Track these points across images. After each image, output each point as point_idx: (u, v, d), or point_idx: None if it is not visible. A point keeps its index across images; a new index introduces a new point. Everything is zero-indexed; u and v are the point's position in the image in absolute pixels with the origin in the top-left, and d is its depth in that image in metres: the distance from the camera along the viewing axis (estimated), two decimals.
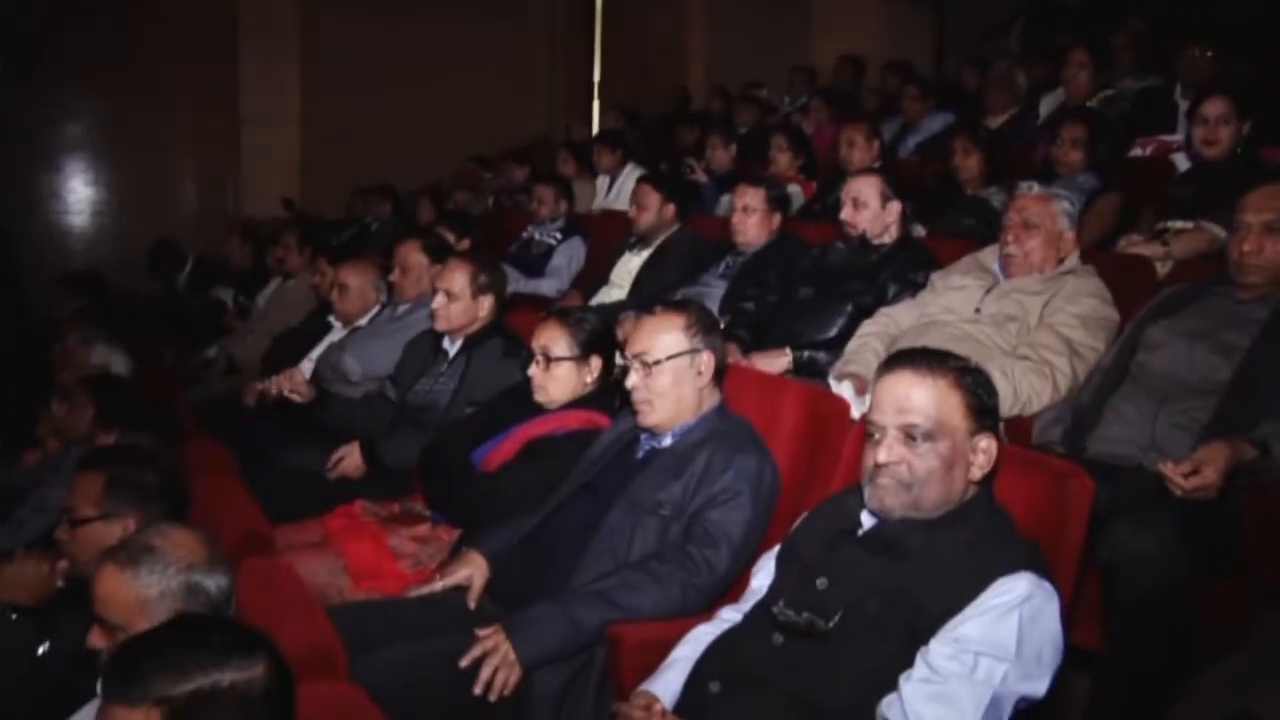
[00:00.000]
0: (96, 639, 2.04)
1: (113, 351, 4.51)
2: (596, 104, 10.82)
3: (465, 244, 5.13)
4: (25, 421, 5.44)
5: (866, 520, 2.04)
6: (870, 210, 3.80)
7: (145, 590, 2.00)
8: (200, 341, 6.29)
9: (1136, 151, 4.69)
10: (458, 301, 3.67)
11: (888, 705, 1.76)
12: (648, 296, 4.32)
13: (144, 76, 9.28)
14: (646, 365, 2.61)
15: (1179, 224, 3.75)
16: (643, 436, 2.71)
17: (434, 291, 4.03)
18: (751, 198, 4.28)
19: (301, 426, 4.42)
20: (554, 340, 3.06)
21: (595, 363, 3.09)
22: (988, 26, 8.22)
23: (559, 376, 3.06)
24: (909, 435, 1.94)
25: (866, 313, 3.55)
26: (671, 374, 2.60)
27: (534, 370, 3.08)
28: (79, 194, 9.69)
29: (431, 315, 3.73)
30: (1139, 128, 4.83)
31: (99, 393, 3.99)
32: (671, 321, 2.63)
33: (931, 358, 2.02)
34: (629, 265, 4.81)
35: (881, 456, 1.95)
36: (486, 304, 3.69)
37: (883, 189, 3.82)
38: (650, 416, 2.63)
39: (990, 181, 4.70)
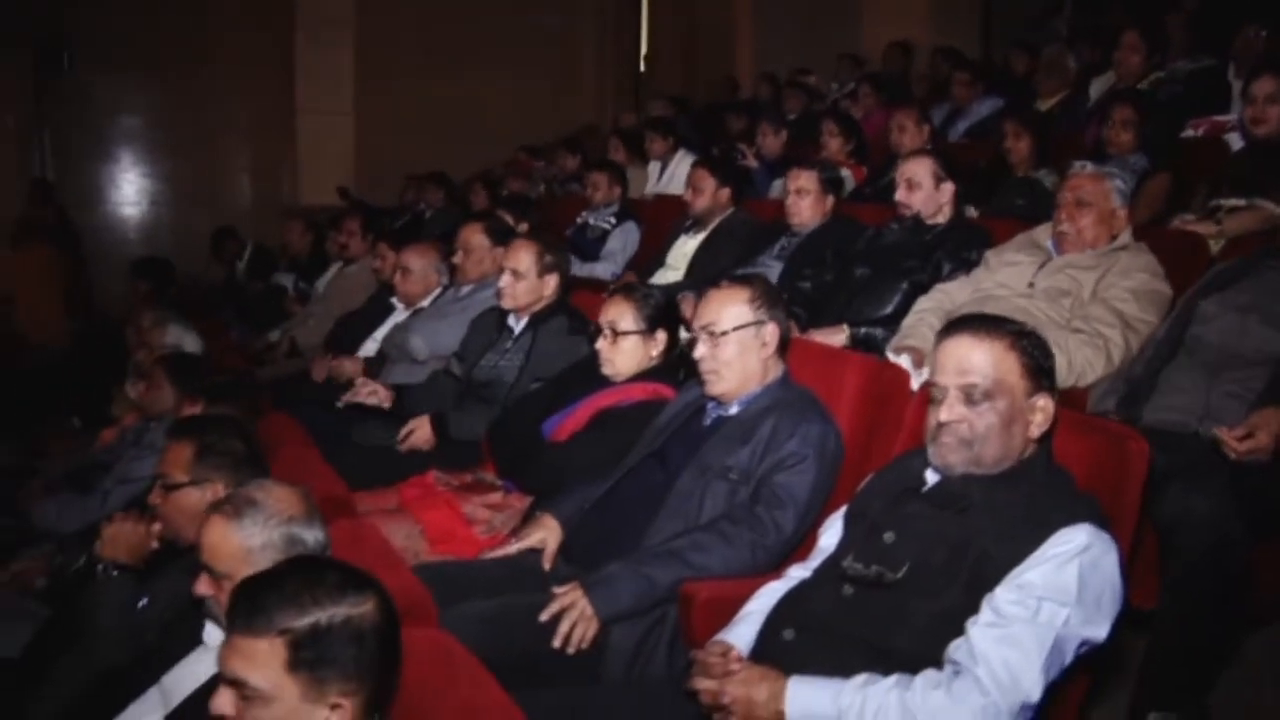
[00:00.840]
0: (203, 586, 2.15)
1: (185, 332, 4.67)
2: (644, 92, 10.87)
3: (524, 227, 5.25)
4: (100, 400, 5.67)
5: (930, 478, 2.14)
6: (924, 191, 3.88)
7: (249, 540, 2.12)
8: (262, 325, 6.47)
9: (1189, 132, 4.72)
10: (524, 280, 3.78)
11: (955, 648, 1.85)
12: (703, 278, 4.42)
13: (201, 68, 9.51)
14: (713, 336, 2.71)
15: (1232, 202, 3.79)
16: (709, 405, 2.82)
17: (499, 272, 4.17)
18: (805, 180, 4.37)
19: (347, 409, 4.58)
20: (621, 314, 3.18)
21: (660, 336, 3.20)
22: (1034, 11, 8.24)
23: (626, 349, 3.18)
24: (969, 395, 2.04)
25: (922, 290, 3.63)
26: (737, 344, 2.70)
27: (601, 344, 3.20)
28: (137, 185, 9.97)
29: (498, 294, 3.85)
30: (1192, 108, 4.85)
31: (175, 370, 4.15)
32: (738, 294, 2.73)
33: (989, 321, 2.13)
34: (684, 248, 4.91)
35: (943, 416, 2.05)
36: (552, 282, 3.81)
37: (936, 170, 3.89)
38: (717, 385, 2.73)
39: (1040, 164, 4.75)
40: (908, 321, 3.44)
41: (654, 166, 6.91)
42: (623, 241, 5.74)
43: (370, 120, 9.54)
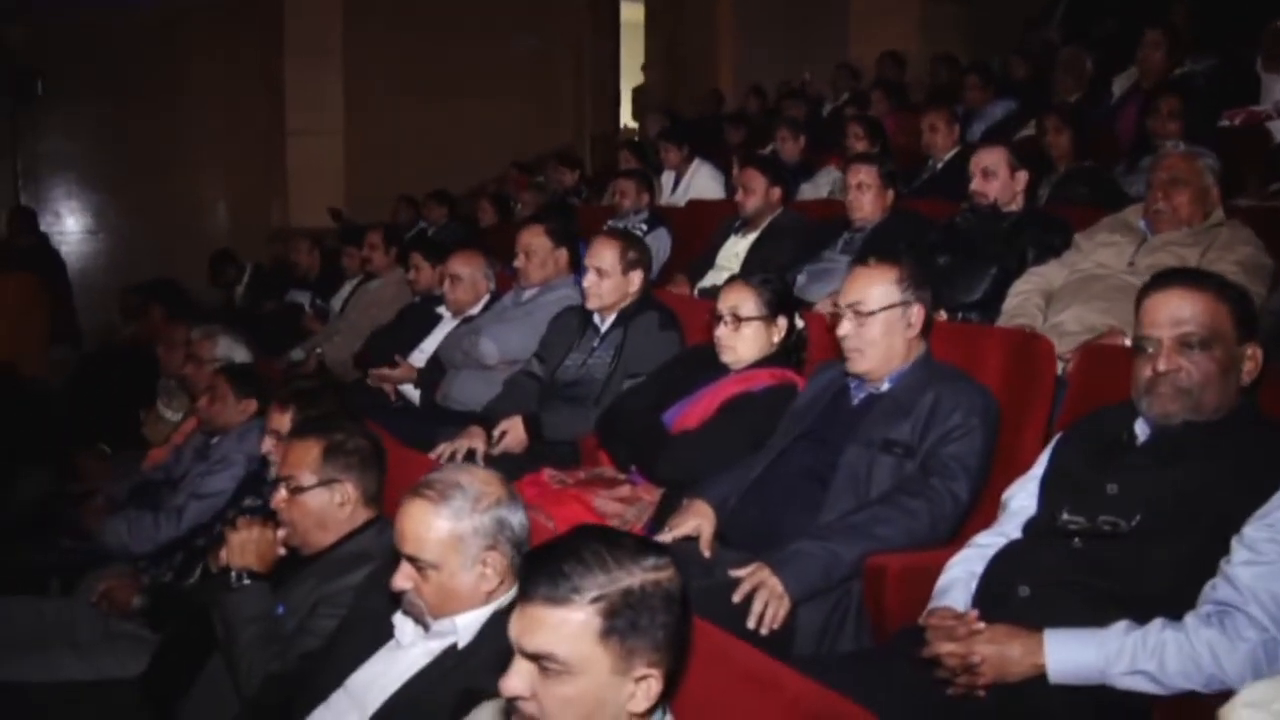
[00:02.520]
0: (403, 580, 2.08)
1: (235, 344, 4.56)
2: (627, 109, 10.94)
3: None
4: (119, 425, 5.52)
5: (1141, 430, 2.16)
6: (1000, 179, 3.95)
7: (459, 526, 2.06)
8: (277, 345, 6.34)
9: (1224, 123, 4.85)
10: (609, 278, 3.76)
11: (1213, 589, 1.87)
12: None
13: (179, 94, 9.38)
14: (860, 315, 2.71)
15: None
16: (852, 385, 2.82)
17: (562, 273, 4.16)
18: (865, 174, 4.42)
19: (425, 413, 4.53)
20: (743, 301, 3.17)
21: (781, 322, 3.20)
22: (1019, 18, 8.43)
23: (748, 336, 3.17)
24: (1185, 344, 2.08)
25: (1009, 275, 3.68)
26: (884, 324, 2.71)
27: (722, 330, 3.18)
28: (114, 211, 9.77)
29: (583, 293, 3.82)
30: (1218, 101, 4.99)
31: (238, 381, 4.06)
32: (886, 274, 2.74)
33: (1196, 274, 2.18)
34: (735, 248, 4.93)
35: (1161, 366, 2.09)
36: (636, 279, 3.79)
37: (1009, 159, 3.97)
38: (860, 364, 2.74)
39: (1079, 157, 4.85)
40: (1012, 304, 3.49)
41: (668, 177, 6.92)
42: (655, 248, 5.70)
43: (358, 142, 9.46)
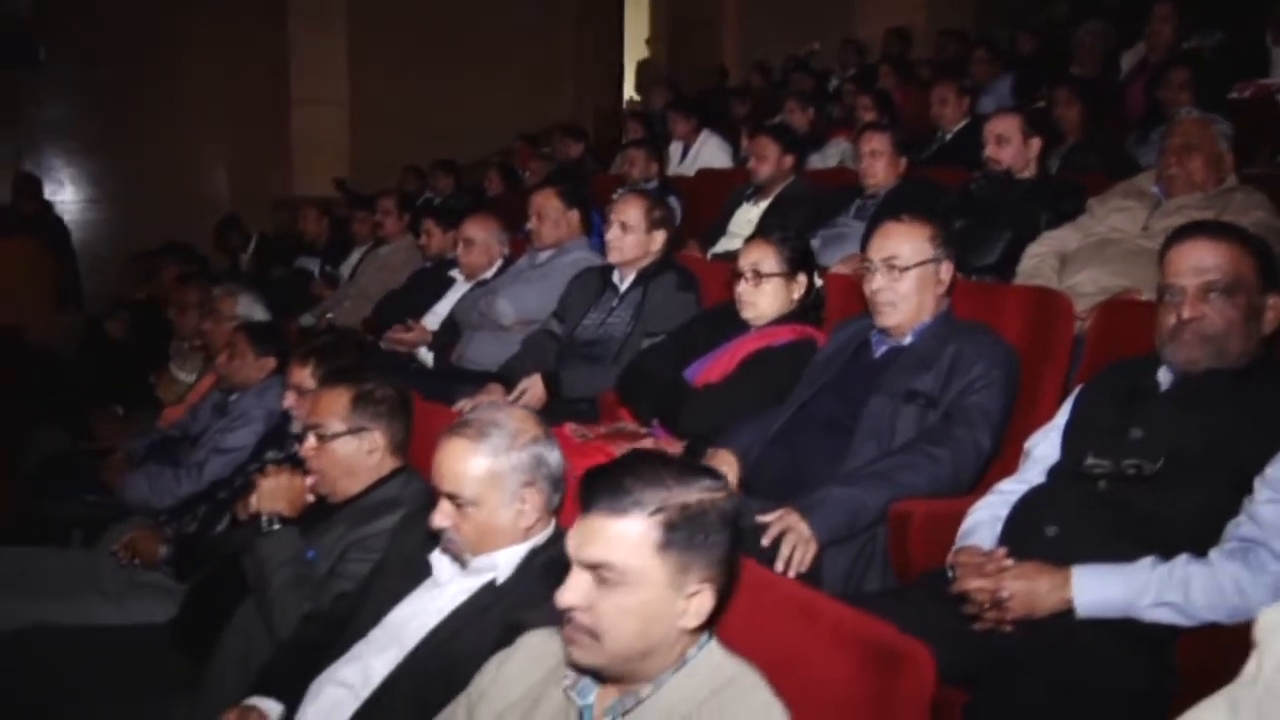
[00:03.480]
0: (442, 518, 2.12)
1: (255, 302, 4.60)
2: (630, 83, 10.95)
3: None
4: (130, 387, 5.56)
5: (1164, 378, 2.22)
6: (1013, 146, 4.00)
7: (498, 463, 2.10)
8: (287, 311, 6.37)
9: (1233, 95, 4.91)
10: (632, 234, 3.80)
11: (1237, 526, 1.94)
12: None
13: (184, 60, 9.36)
14: (893, 269, 2.76)
15: None
16: (874, 339, 2.88)
17: (576, 235, 4.20)
18: (878, 142, 4.48)
19: (441, 374, 4.57)
20: (764, 257, 3.21)
21: (801, 279, 3.25)
22: None
23: (768, 292, 3.21)
24: (1209, 291, 2.14)
25: (1024, 239, 3.73)
26: (917, 279, 2.76)
27: (743, 286, 3.23)
28: (116, 177, 9.77)
29: (601, 252, 3.86)
30: (1227, 75, 5.04)
31: (257, 338, 4.10)
32: (920, 231, 2.79)
33: (1219, 225, 2.23)
34: (748, 215, 4.97)
35: (1186, 313, 2.15)
36: (660, 238, 3.83)
37: (1023, 125, 4.02)
38: (891, 317, 2.79)
39: (1090, 128, 4.90)
40: (1027, 266, 3.55)
41: (675, 147, 6.96)
42: None
43: (362, 111, 9.47)
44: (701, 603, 1.59)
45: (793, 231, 3.48)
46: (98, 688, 2.70)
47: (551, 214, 4.41)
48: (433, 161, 7.89)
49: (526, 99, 10.32)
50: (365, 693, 2.10)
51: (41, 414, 5.44)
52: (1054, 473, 2.29)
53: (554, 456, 2.18)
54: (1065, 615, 1.98)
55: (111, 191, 9.86)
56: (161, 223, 9.33)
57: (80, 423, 5.15)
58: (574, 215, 4.44)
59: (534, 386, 3.69)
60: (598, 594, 1.57)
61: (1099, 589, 1.94)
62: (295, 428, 3.42)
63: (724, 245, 4.94)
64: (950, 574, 2.20)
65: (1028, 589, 2.00)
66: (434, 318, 4.96)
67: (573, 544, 1.61)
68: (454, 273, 5.04)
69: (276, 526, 2.68)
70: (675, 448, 3.13)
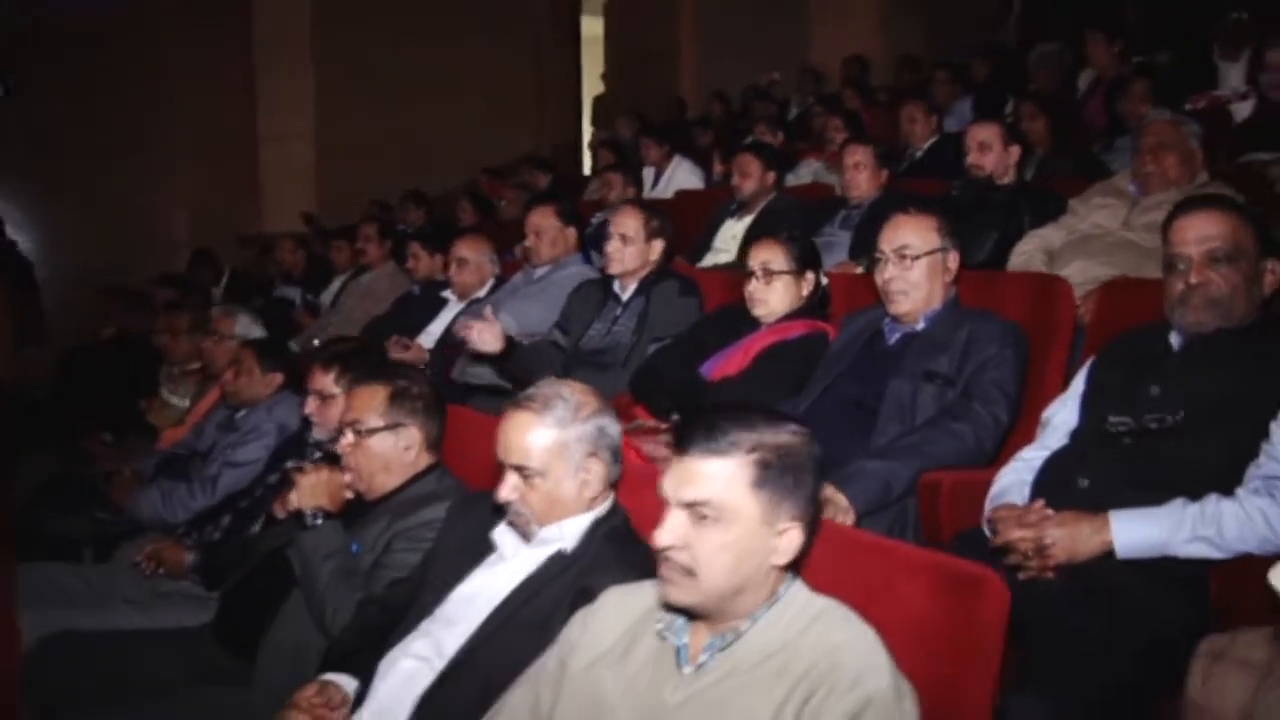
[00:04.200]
0: (508, 491, 2.20)
1: (253, 322, 4.68)
2: (587, 115, 11.14)
3: None
4: (116, 416, 5.56)
5: (1175, 340, 2.39)
6: (995, 152, 4.20)
7: (563, 435, 2.18)
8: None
9: (1188, 106, 5.18)
10: (632, 245, 3.93)
11: (1259, 468, 2.11)
12: None
13: (149, 96, 9.36)
14: (904, 259, 2.92)
15: (1263, 156, 4.20)
16: (887, 326, 3.03)
17: (572, 251, 4.33)
18: (861, 155, 4.67)
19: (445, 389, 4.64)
20: (774, 256, 3.36)
21: (810, 276, 3.40)
22: (974, 21, 8.81)
23: (779, 289, 3.36)
24: (1213, 258, 2.33)
25: (1009, 240, 3.92)
26: (926, 268, 2.93)
27: (754, 284, 3.37)
28: (80, 212, 9.71)
29: (605, 259, 3.98)
30: (1181, 88, 5.33)
31: (264, 354, 4.17)
32: (928, 222, 2.95)
33: (1219, 198, 2.42)
34: (733, 230, 5.12)
35: (1193, 279, 2.34)
36: (658, 247, 3.97)
37: (1003, 133, 4.22)
38: (903, 304, 2.94)
39: (1055, 141, 5.14)
40: (1017, 262, 3.75)
41: (648, 173, 7.12)
42: None
43: (329, 146, 9.54)
44: (791, 540, 1.69)
45: (799, 231, 3.62)
46: (146, 684, 2.73)
47: (549, 231, 4.53)
48: (404, 193, 7.98)
49: (487, 133, 10.46)
50: (440, 664, 2.16)
51: (22, 448, 5.43)
52: (1077, 435, 2.45)
53: (614, 429, 2.27)
54: (1105, 558, 2.12)
55: (72, 229, 9.81)
56: (123, 260, 9.34)
57: (71, 450, 5.14)
58: (571, 232, 4.57)
59: None
60: (694, 533, 1.66)
61: (1137, 530, 2.09)
62: (317, 433, 3.49)
63: (709, 260, 5.09)
64: (987, 532, 2.34)
65: (1069, 535, 2.14)
66: (428, 337, 5.04)
67: (670, 485, 1.70)
68: (446, 293, 5.13)
69: (320, 521, 2.72)
70: None
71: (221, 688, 2.69)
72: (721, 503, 1.65)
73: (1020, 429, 2.78)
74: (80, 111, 9.39)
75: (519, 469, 2.19)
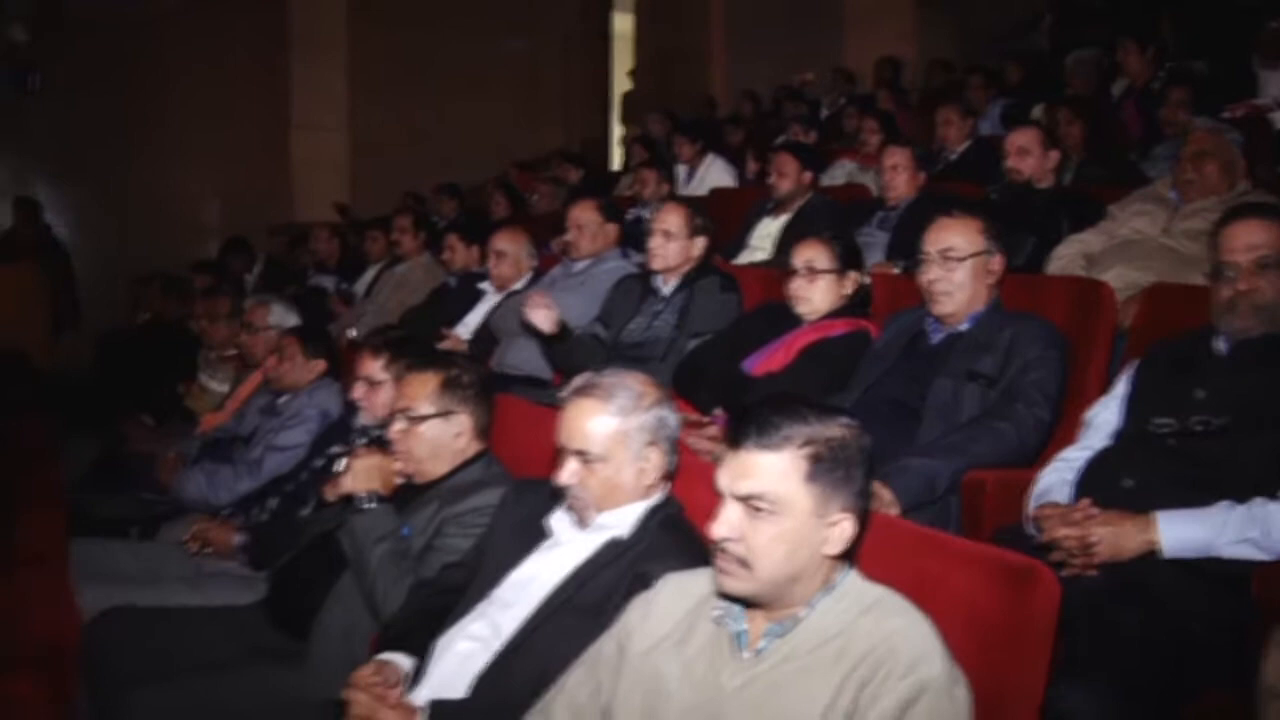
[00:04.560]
0: (568, 475, 2.25)
1: (288, 311, 4.74)
2: (615, 111, 11.21)
3: None
4: (154, 400, 5.64)
5: (1220, 346, 2.44)
6: (1034, 157, 4.25)
7: (626, 423, 2.24)
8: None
9: (1225, 115, 5.20)
10: (675, 241, 3.99)
11: None
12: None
13: (187, 87, 9.47)
14: (949, 260, 2.97)
15: None
16: (930, 326, 3.08)
17: (612, 245, 4.39)
18: (899, 157, 4.72)
19: None
20: (817, 255, 3.42)
21: (853, 276, 3.45)
22: (1007, 25, 8.83)
23: (822, 288, 3.42)
24: (1261, 266, 2.38)
25: (1047, 245, 3.96)
26: (971, 269, 2.97)
27: (797, 283, 3.43)
28: (112, 203, 9.83)
29: (647, 254, 4.03)
30: (1217, 96, 5.35)
31: (307, 341, 4.23)
32: (972, 224, 3.00)
33: (1267, 207, 2.47)
34: (768, 229, 5.18)
35: (1241, 286, 2.38)
36: (700, 244, 4.02)
37: (1042, 138, 4.27)
38: (946, 305, 2.99)
39: (1090, 147, 5.17)
40: (1056, 266, 3.81)
41: (680, 170, 7.16)
42: None
43: (360, 137, 9.63)
44: (843, 531, 1.74)
45: (841, 231, 3.67)
46: (203, 659, 2.80)
47: (590, 226, 4.58)
48: (437, 186, 8.06)
49: (516, 128, 10.55)
50: (497, 645, 2.22)
51: (66, 431, 5.52)
52: (1120, 436, 2.50)
53: (673, 420, 2.33)
54: (1148, 557, 2.17)
55: (103, 217, 9.94)
56: (153, 248, 9.45)
57: (114, 433, 5.22)
58: (611, 228, 4.62)
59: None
60: (749, 525, 1.72)
61: (1183, 530, 2.14)
62: (363, 418, 3.55)
63: (745, 258, 5.14)
64: (1030, 530, 2.39)
65: (1114, 533, 2.19)
66: (464, 328, 5.11)
67: (725, 479, 1.75)
68: (483, 285, 5.19)
69: (373, 504, 2.77)
70: None
71: (275, 665, 2.76)
72: (776, 496, 1.70)
73: (1060, 430, 2.82)
74: (114, 102, 9.51)
75: (580, 454, 2.24)
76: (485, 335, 4.90)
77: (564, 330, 3.96)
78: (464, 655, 2.26)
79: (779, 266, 4.63)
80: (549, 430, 3.15)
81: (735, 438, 1.76)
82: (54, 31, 9.26)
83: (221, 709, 2.61)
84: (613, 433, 2.24)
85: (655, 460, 2.27)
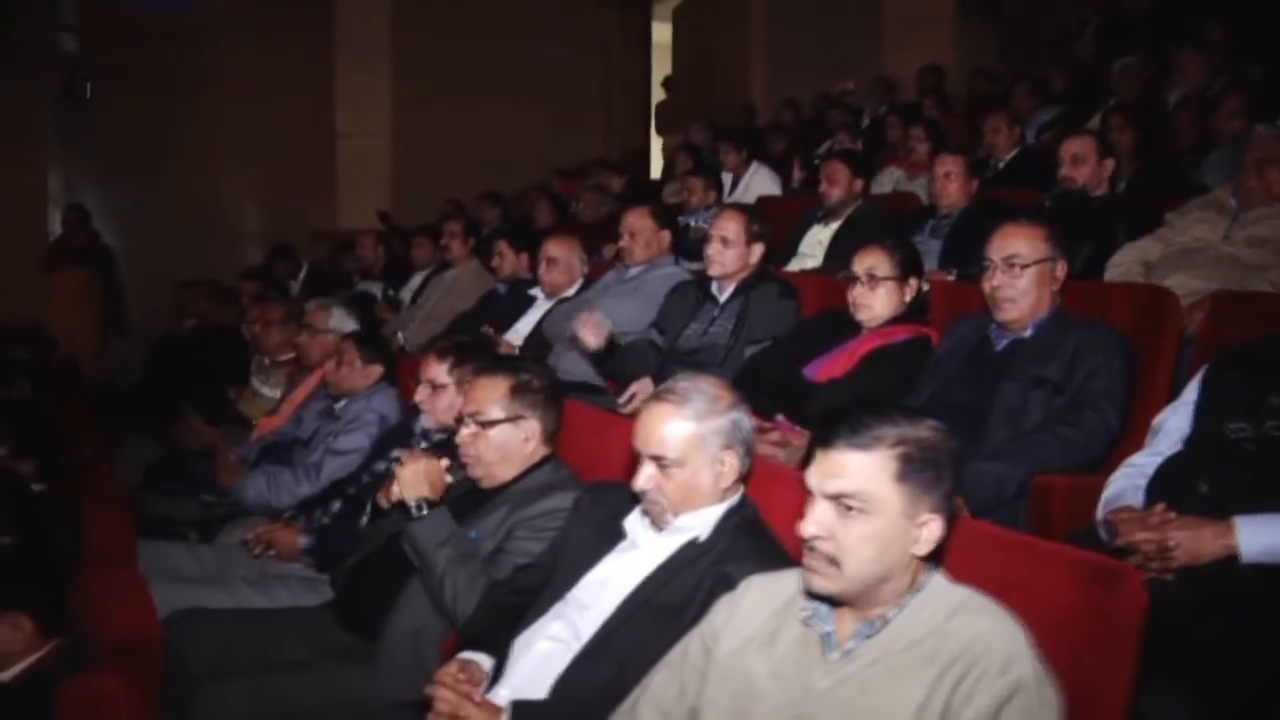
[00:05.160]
0: (646, 480, 2.27)
1: (347, 316, 4.79)
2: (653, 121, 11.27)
3: None
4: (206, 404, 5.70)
5: None
6: (1089, 166, 4.25)
7: (701, 427, 2.26)
8: None
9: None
10: (732, 248, 4.00)
11: None
12: (845, 264, 4.72)
13: (234, 95, 9.59)
14: (1013, 267, 2.98)
15: None
16: (994, 333, 3.09)
17: (665, 252, 4.41)
18: (953, 165, 4.73)
19: None
20: (879, 262, 3.43)
21: (913, 283, 3.46)
22: (1050, 33, 8.82)
23: (883, 295, 3.43)
24: None
25: (1103, 253, 3.96)
26: (1035, 276, 2.99)
27: (858, 290, 3.44)
28: (157, 209, 9.96)
29: (706, 260, 4.05)
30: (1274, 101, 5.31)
31: (365, 346, 4.28)
32: (1037, 231, 3.02)
33: None
34: (819, 236, 5.19)
35: None
36: (758, 251, 4.04)
37: (1098, 147, 4.26)
38: (1011, 312, 3.01)
39: (1140, 155, 5.16)
40: (1114, 274, 3.80)
41: (725, 178, 7.18)
42: None
43: (404, 145, 9.73)
44: (931, 531, 1.75)
45: (901, 238, 3.68)
46: (277, 658, 2.85)
47: (645, 233, 4.60)
48: (481, 193, 8.12)
49: (557, 136, 10.61)
50: (576, 646, 2.25)
51: (122, 434, 5.59)
52: (1192, 442, 2.49)
53: (747, 424, 2.34)
54: (1226, 562, 2.17)
55: (145, 224, 10.06)
56: (195, 254, 9.56)
57: (168, 437, 5.29)
58: (665, 235, 4.64)
59: (644, 388, 3.86)
60: (838, 524, 1.74)
61: (1263, 536, 2.14)
62: (424, 421, 3.58)
63: (795, 265, 5.16)
64: (1102, 533, 2.40)
65: (1192, 538, 2.19)
66: (515, 335, 5.15)
67: (814, 478, 1.77)
68: (534, 291, 5.23)
69: (425, 511, 2.78)
70: (800, 440, 3.31)
71: (347, 665, 2.80)
72: (867, 495, 1.72)
73: (1127, 436, 2.82)
74: (161, 110, 9.65)
75: (657, 459, 2.26)
76: (537, 342, 4.93)
77: (611, 344, 3.97)
78: (544, 656, 2.29)
79: (829, 274, 4.67)
80: (608, 434, 3.22)
81: (825, 438, 1.78)
82: (104, 41, 9.39)
83: (296, 707, 2.66)
84: (689, 437, 2.26)
85: (731, 463, 2.29)
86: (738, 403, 2.34)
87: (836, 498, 1.74)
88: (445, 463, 2.92)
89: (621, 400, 3.89)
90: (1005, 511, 2.71)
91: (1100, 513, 2.48)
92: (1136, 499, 2.47)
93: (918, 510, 1.74)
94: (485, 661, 2.38)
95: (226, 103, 9.73)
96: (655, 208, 4.77)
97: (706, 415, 2.28)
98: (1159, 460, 2.54)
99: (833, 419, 1.80)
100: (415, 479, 2.83)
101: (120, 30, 9.46)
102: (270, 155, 9.85)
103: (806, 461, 1.81)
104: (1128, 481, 2.53)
